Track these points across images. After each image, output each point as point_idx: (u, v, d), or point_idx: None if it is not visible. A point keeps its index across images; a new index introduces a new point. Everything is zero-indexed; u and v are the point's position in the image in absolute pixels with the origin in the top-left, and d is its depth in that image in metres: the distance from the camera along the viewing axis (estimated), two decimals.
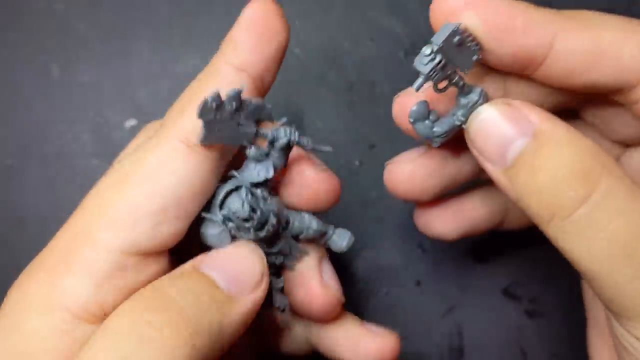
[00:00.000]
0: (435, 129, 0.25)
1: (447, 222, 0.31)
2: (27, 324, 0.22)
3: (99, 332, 0.21)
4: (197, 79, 0.25)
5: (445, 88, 0.24)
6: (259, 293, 0.24)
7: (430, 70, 0.23)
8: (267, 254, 0.26)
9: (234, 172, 0.25)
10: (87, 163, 0.37)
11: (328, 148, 0.26)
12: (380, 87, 0.38)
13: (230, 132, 0.24)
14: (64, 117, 0.38)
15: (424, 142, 0.28)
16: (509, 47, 0.23)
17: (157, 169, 0.23)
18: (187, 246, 0.26)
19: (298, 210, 0.27)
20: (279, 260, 0.27)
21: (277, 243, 0.26)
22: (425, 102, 0.25)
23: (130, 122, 0.38)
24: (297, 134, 0.25)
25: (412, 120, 0.25)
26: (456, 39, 0.23)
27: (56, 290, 0.22)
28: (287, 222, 0.27)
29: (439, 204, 0.31)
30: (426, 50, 0.23)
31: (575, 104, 0.27)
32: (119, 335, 0.20)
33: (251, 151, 0.25)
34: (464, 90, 0.24)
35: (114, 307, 0.22)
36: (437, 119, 0.25)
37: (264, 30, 0.25)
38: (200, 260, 0.24)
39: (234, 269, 0.23)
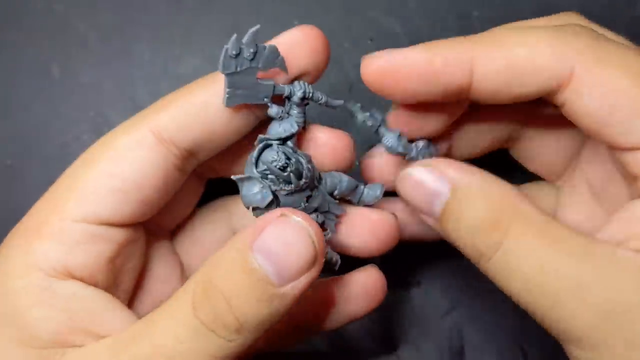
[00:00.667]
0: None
1: (407, 219, 0.32)
2: (13, 285, 0.25)
3: (155, 315, 0.24)
4: (194, 82, 0.27)
5: None
6: (312, 274, 0.23)
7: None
8: (309, 213, 0.26)
9: (261, 135, 0.26)
10: None
11: (340, 102, 0.28)
12: None
13: (250, 89, 0.26)
14: (64, 117, 0.38)
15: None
16: (435, 88, 0.25)
17: (122, 153, 0.26)
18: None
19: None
20: (320, 219, 0.27)
21: (315, 196, 0.27)
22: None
23: None
24: (310, 87, 0.27)
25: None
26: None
27: (31, 254, 0.25)
28: (320, 178, 0.28)
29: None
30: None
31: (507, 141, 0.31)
32: (175, 325, 0.23)
33: (272, 110, 0.26)
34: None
35: (83, 268, 0.25)
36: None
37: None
38: (253, 239, 0.23)
39: (286, 256, 0.23)
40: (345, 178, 0.28)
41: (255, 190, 0.25)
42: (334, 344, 0.36)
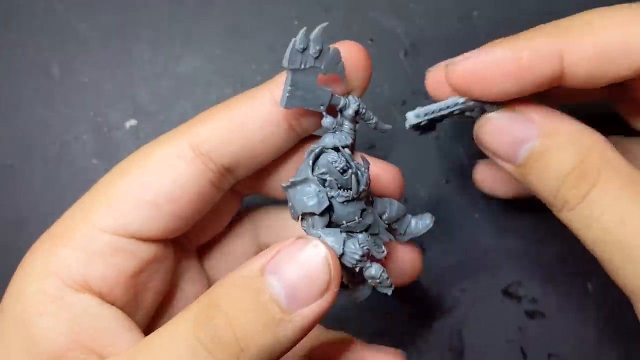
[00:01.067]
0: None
1: (499, 182, 0.33)
2: (26, 290, 0.24)
3: (156, 334, 0.22)
4: (234, 97, 0.26)
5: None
6: (324, 303, 0.22)
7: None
8: (360, 231, 0.25)
9: (313, 145, 0.25)
10: (87, 163, 0.37)
11: (388, 126, 0.27)
12: (380, 87, 0.38)
13: (309, 92, 0.24)
14: (64, 117, 0.38)
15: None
16: (526, 84, 0.25)
17: (157, 164, 0.25)
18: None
19: None
20: (370, 240, 0.25)
21: (369, 213, 0.25)
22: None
23: (130, 122, 0.38)
24: (364, 104, 0.26)
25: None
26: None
27: (51, 260, 0.24)
28: (370, 193, 0.26)
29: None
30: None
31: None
32: (174, 344, 0.22)
33: (327, 120, 0.25)
34: None
35: (102, 280, 0.24)
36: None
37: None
38: (267, 261, 0.22)
39: (299, 278, 0.21)
40: (395, 203, 0.27)
41: (310, 195, 0.23)
42: None
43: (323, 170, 0.23)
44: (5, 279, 0.27)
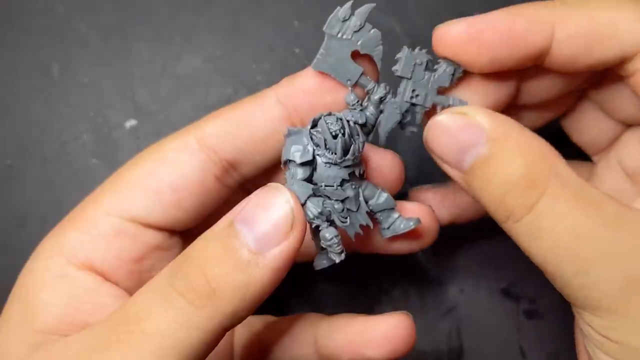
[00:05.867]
0: None
1: (437, 207, 0.32)
2: (36, 264, 0.26)
3: (138, 291, 0.23)
4: (242, 100, 0.27)
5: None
6: (290, 243, 0.22)
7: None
8: (336, 200, 0.25)
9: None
10: (87, 163, 0.37)
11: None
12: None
13: (339, 62, 0.26)
14: (64, 117, 0.38)
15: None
16: (516, 53, 0.25)
17: (164, 155, 0.26)
18: None
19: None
20: (345, 214, 0.26)
21: (352, 187, 0.26)
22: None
23: (130, 122, 0.38)
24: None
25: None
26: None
27: (59, 240, 0.26)
28: (363, 173, 0.27)
29: (430, 190, 0.33)
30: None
31: (582, 86, 0.29)
32: (150, 294, 0.22)
33: (349, 96, 0.26)
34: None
35: (103, 261, 0.26)
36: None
37: (319, 97, 0.27)
38: (236, 214, 0.23)
39: (265, 221, 0.22)
40: (386, 194, 0.27)
41: (299, 146, 0.25)
42: None
43: (318, 128, 0.25)
44: (5, 278, 0.27)
